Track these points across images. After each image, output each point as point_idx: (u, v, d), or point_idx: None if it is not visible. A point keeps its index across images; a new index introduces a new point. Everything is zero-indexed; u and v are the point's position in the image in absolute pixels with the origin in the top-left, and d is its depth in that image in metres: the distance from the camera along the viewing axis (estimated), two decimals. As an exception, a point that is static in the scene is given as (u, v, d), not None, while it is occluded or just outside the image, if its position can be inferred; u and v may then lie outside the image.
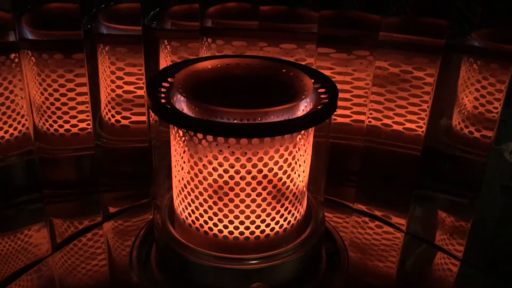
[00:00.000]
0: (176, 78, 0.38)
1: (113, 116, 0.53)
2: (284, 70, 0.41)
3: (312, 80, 0.39)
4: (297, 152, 0.38)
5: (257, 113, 0.35)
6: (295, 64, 0.42)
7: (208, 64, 0.41)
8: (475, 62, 0.50)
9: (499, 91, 0.48)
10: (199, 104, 0.36)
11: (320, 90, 0.39)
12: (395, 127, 0.54)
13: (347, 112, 0.55)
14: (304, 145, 0.38)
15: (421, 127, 0.52)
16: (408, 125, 0.53)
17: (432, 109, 0.51)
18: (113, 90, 0.52)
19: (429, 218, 0.55)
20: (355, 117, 0.55)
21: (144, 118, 0.53)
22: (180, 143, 0.38)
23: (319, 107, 0.37)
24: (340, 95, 0.54)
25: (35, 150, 0.48)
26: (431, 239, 0.52)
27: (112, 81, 0.52)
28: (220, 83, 0.41)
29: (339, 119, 0.55)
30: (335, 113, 0.38)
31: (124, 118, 0.53)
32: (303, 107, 0.38)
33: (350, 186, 0.56)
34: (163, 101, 0.37)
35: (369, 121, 0.54)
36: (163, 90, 0.38)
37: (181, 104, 0.38)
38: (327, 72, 0.54)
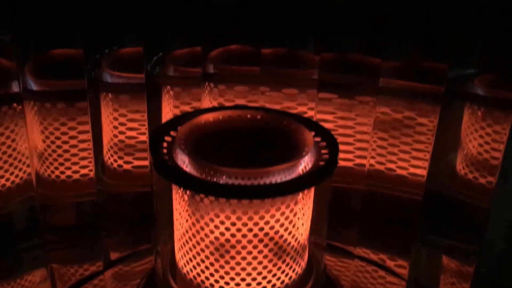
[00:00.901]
0: (178, 133, 0.38)
1: (115, 160, 0.53)
2: (284, 123, 0.41)
3: (313, 133, 0.39)
4: (298, 208, 0.37)
5: (259, 173, 0.35)
6: (295, 117, 0.42)
7: (210, 116, 0.41)
8: (479, 109, 0.50)
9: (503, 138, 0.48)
10: (201, 163, 0.36)
11: (321, 144, 0.39)
12: (398, 171, 0.54)
13: (350, 156, 0.55)
14: (305, 201, 0.38)
15: (423, 171, 0.52)
16: (411, 169, 0.53)
17: (434, 154, 0.51)
18: (115, 136, 0.52)
19: (432, 263, 0.55)
20: (357, 161, 0.55)
21: (146, 162, 0.53)
22: (181, 200, 0.38)
23: (320, 163, 0.37)
24: (343, 139, 0.54)
25: (37, 197, 0.48)
26: (434, 285, 0.52)
27: (115, 127, 0.52)
28: (222, 136, 0.41)
29: (342, 163, 0.55)
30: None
31: (127, 162, 0.53)
32: (304, 163, 0.38)
33: (352, 230, 0.56)
34: (165, 157, 0.37)
35: (372, 165, 0.54)
36: (165, 145, 0.38)
37: (183, 158, 0.38)
38: (329, 117, 0.54)
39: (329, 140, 0.39)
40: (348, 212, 0.56)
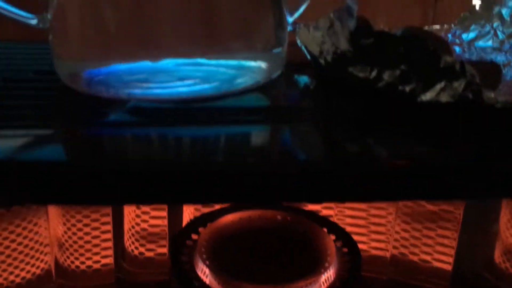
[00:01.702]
0: (199, 239, 0.38)
1: (137, 248, 0.53)
2: (304, 226, 0.40)
3: (333, 237, 0.39)
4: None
5: (279, 288, 0.35)
6: (314, 216, 0.42)
7: (230, 218, 0.41)
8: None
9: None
10: (221, 277, 0.36)
11: (343, 250, 0.39)
12: (422, 259, 0.52)
13: (371, 244, 0.54)
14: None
15: (451, 260, 0.51)
16: (436, 258, 0.52)
17: (463, 243, 0.50)
18: (137, 224, 0.52)
19: None
20: (377, 249, 0.54)
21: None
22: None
23: (342, 272, 0.36)
24: (363, 224, 0.53)
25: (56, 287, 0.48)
26: None
27: (137, 216, 0.52)
28: (243, 238, 0.41)
29: (363, 253, 0.54)
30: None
31: (149, 250, 0.53)
32: (327, 274, 0.38)
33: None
34: (186, 266, 0.37)
35: (394, 253, 0.53)
36: (186, 250, 0.38)
37: (204, 268, 0.38)
38: (350, 204, 0.53)
39: (350, 246, 0.39)
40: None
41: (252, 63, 0.32)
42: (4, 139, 0.26)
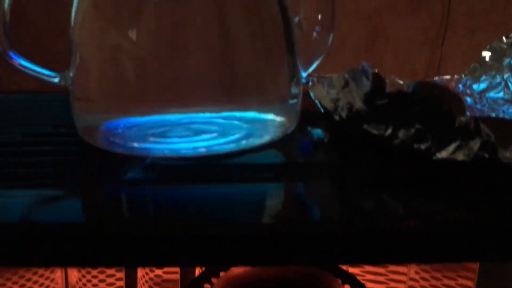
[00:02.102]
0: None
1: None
2: (319, 275, 0.40)
3: (348, 287, 0.38)
4: None
5: None
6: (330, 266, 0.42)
7: (243, 268, 0.41)
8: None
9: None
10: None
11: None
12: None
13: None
14: None
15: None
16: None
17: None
18: (151, 271, 0.52)
19: None
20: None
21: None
22: None
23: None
24: (382, 272, 0.53)
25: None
26: None
27: (151, 270, 0.52)
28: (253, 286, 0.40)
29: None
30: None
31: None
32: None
33: None
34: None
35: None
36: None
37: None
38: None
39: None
40: None
41: (267, 117, 0.33)
42: (20, 198, 0.26)
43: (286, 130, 0.32)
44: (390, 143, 0.28)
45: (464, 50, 1.46)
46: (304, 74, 0.34)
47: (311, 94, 0.34)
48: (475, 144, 0.26)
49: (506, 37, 0.41)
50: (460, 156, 0.26)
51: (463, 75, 0.42)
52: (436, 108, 0.26)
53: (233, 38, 0.31)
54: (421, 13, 1.43)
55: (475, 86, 0.41)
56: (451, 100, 0.32)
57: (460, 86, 0.42)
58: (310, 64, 0.34)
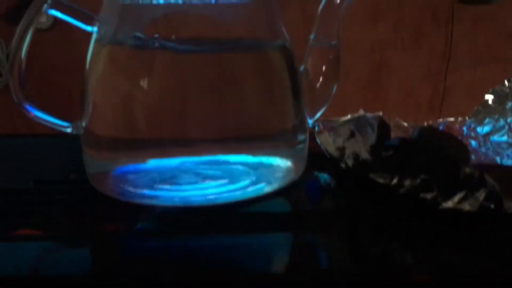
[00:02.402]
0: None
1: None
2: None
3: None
4: None
5: None
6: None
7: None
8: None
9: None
10: None
11: None
12: None
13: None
14: None
15: None
16: None
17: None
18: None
19: None
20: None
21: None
22: None
23: None
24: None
25: None
26: None
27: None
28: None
29: None
30: None
31: None
32: None
33: None
34: None
35: None
36: None
37: None
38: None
39: None
40: None
41: (274, 163, 0.33)
42: (28, 251, 0.26)
43: (293, 176, 0.33)
44: (396, 192, 0.29)
45: (466, 84, 1.47)
46: (310, 121, 0.35)
47: (318, 140, 0.35)
48: (481, 195, 0.26)
49: (508, 81, 0.42)
50: (466, 207, 0.26)
51: (467, 118, 0.43)
52: (441, 157, 0.27)
53: (240, 86, 0.32)
54: (423, 47, 1.45)
55: (479, 129, 0.42)
56: (456, 148, 0.33)
57: (465, 128, 0.42)
58: (316, 112, 0.35)
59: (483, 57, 1.35)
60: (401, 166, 0.28)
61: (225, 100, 0.31)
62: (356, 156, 0.29)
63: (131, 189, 0.32)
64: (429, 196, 0.28)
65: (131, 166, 0.33)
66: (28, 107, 0.32)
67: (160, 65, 0.31)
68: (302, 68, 0.35)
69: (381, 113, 0.45)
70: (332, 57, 0.35)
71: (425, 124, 0.44)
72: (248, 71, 0.32)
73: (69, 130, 0.33)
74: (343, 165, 0.31)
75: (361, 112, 0.44)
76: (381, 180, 0.29)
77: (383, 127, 0.28)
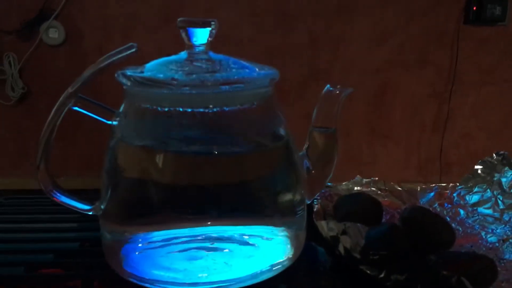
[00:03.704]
0: None
1: None
2: None
3: None
4: None
5: None
6: None
7: None
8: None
9: None
10: None
11: None
12: None
13: None
14: None
15: None
16: None
17: None
18: None
19: None
20: None
21: None
22: None
23: None
24: None
25: None
26: None
27: None
28: None
29: None
30: None
31: None
32: None
33: None
34: None
35: None
36: None
37: None
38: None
39: None
40: None
41: (273, 244, 0.36)
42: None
43: (292, 259, 0.36)
44: (384, 284, 0.32)
45: (471, 104, 1.49)
46: (308, 201, 0.38)
47: (314, 220, 0.38)
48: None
49: (497, 154, 0.44)
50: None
51: (457, 184, 0.46)
52: (422, 263, 0.30)
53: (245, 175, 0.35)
54: (428, 67, 1.47)
55: (468, 197, 0.45)
56: (442, 233, 0.36)
57: (455, 195, 0.45)
58: (313, 195, 0.38)
59: (488, 78, 1.36)
60: (387, 267, 0.31)
61: (232, 187, 0.34)
62: (347, 251, 0.33)
63: (137, 272, 0.35)
64: (413, 292, 0.31)
65: (138, 248, 0.36)
66: (55, 194, 0.35)
67: (177, 166, 0.34)
68: (301, 153, 0.38)
69: (376, 178, 0.49)
70: (330, 142, 0.38)
71: (418, 189, 0.47)
72: (254, 161, 0.35)
73: (90, 212, 0.36)
74: (337, 252, 0.34)
75: (358, 178, 0.48)
76: (370, 272, 0.32)
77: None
